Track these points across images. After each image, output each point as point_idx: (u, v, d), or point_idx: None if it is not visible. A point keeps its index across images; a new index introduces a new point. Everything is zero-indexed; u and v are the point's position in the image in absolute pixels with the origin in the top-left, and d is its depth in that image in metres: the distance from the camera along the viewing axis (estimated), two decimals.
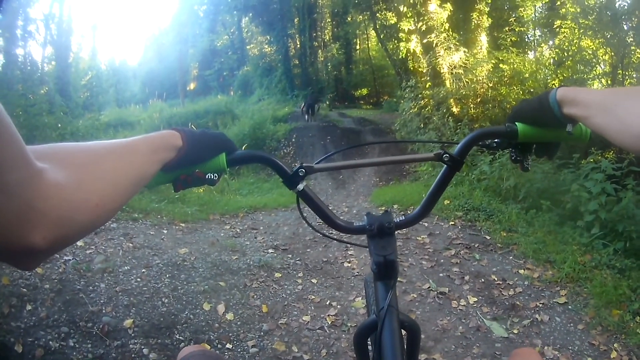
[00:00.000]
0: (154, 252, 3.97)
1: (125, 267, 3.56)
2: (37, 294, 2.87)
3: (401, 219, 0.90)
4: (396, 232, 0.87)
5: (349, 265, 4.07)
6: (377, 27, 16.46)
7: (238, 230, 5.21)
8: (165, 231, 4.71)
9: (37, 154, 0.44)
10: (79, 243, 3.70)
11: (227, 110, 17.47)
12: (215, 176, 0.81)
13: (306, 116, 15.62)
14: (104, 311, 2.90)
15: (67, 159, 0.50)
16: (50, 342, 2.50)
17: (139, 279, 3.41)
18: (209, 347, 2.72)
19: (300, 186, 0.84)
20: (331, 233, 1.02)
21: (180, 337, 2.80)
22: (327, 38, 28.25)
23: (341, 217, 0.92)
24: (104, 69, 33.50)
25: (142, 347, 2.65)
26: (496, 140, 0.87)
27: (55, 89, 15.15)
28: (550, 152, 0.86)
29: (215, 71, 32.08)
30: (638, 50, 9.20)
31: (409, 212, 0.99)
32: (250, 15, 28.08)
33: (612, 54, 9.50)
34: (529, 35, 14.13)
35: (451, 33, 11.33)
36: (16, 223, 0.41)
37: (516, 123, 0.81)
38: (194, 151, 0.73)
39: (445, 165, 0.86)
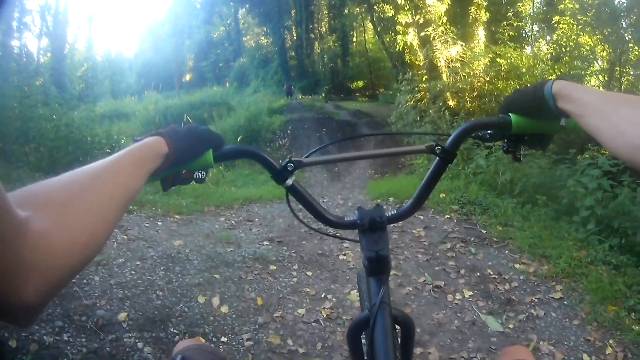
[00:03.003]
0: (148, 245, 3.95)
1: (120, 260, 3.53)
2: None
3: (393, 212, 0.88)
4: (389, 226, 0.85)
5: (344, 257, 4.06)
6: (374, 19, 16.35)
7: (233, 222, 5.19)
8: (159, 223, 4.68)
9: (16, 200, 0.42)
10: None
11: (222, 102, 17.49)
12: (203, 174, 0.80)
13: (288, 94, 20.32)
14: (98, 305, 2.87)
15: (49, 201, 0.48)
16: (45, 337, 2.47)
17: (133, 272, 3.38)
18: (204, 340, 2.70)
19: (289, 181, 0.83)
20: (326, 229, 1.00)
21: (175, 331, 2.78)
22: (324, 30, 28.20)
23: (335, 210, 0.90)
24: (100, 61, 33.34)
25: (137, 340, 2.63)
26: (489, 131, 0.85)
27: (51, 80, 15.09)
28: (543, 144, 0.84)
29: (211, 63, 32.01)
30: (636, 47, 9.21)
31: (404, 204, 0.98)
32: (246, 7, 28.04)
33: (610, 50, 9.51)
34: (527, 30, 14.14)
35: (449, 27, 11.31)
36: (6, 279, 0.39)
37: (510, 114, 0.80)
38: (180, 153, 0.70)
39: (437, 157, 0.84)
